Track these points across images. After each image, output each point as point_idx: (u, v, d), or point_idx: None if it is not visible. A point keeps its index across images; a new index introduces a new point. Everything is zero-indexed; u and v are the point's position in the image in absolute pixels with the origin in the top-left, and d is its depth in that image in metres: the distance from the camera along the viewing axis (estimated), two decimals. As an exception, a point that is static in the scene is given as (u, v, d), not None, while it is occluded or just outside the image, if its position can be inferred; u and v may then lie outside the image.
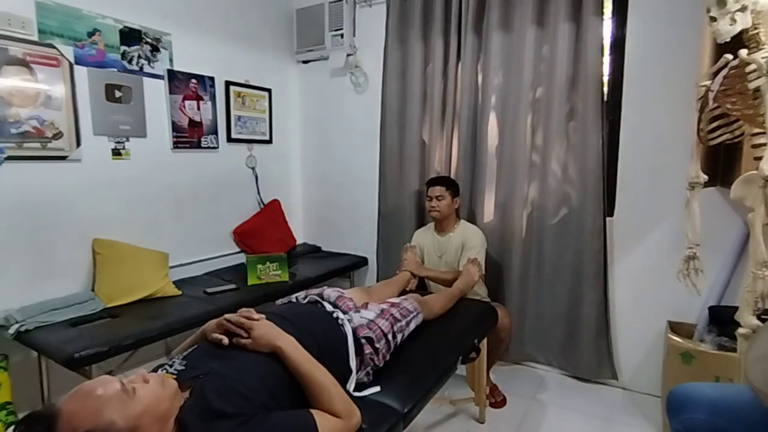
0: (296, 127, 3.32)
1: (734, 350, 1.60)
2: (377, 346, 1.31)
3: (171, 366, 1.00)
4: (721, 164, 1.90)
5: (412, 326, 1.55)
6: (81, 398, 0.78)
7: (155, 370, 0.98)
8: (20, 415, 1.80)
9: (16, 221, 1.90)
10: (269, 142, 3.10)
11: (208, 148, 2.70)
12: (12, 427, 1.77)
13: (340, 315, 1.33)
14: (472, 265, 2.09)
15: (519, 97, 2.36)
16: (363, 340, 1.29)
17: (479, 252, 2.22)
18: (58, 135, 2.01)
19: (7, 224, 1.87)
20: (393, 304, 1.53)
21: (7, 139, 1.84)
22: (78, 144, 2.08)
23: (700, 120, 1.48)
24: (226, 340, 1.06)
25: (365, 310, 1.43)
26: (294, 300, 1.47)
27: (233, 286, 2.39)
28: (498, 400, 2.18)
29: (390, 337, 1.37)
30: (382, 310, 1.45)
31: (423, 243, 2.40)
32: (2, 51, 1.82)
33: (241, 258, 2.78)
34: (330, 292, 1.46)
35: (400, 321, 1.46)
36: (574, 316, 2.34)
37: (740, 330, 1.34)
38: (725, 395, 1.17)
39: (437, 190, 2.29)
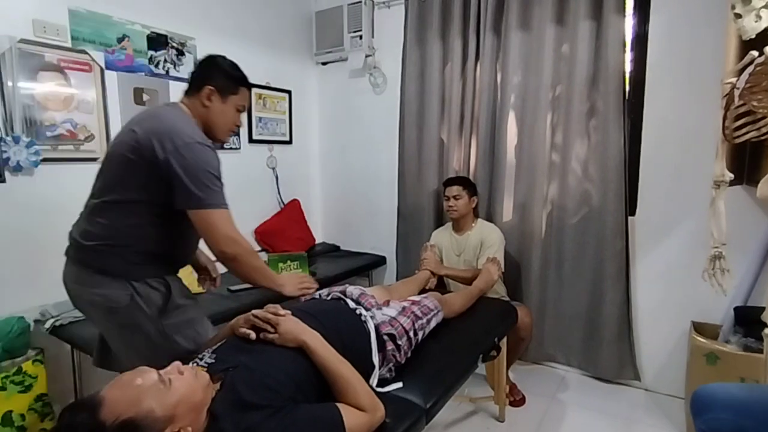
0: (315, 127, 3.37)
1: (761, 351, 1.58)
2: (399, 342, 1.33)
3: (201, 359, 1.04)
4: (747, 162, 1.87)
5: (433, 324, 1.57)
6: (122, 387, 0.82)
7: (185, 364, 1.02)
8: (55, 407, 1.89)
9: (51, 220, 1.98)
10: (289, 142, 3.15)
11: (231, 149, 2.76)
12: (44, 418, 1.85)
13: (363, 311, 1.36)
14: (492, 264, 2.10)
15: (538, 95, 2.35)
16: (385, 337, 1.31)
17: (498, 250, 2.23)
18: (89, 137, 2.09)
19: (43, 223, 1.95)
20: (414, 302, 1.56)
21: (42, 141, 1.92)
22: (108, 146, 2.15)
23: (725, 117, 1.47)
24: (253, 335, 1.10)
25: (387, 308, 1.46)
26: (318, 297, 1.51)
27: (256, 283, 2.43)
28: (517, 399, 2.19)
29: (411, 334, 1.39)
30: (404, 308, 1.48)
31: (441, 242, 2.42)
32: (38, 57, 1.90)
33: (263, 257, 2.82)
34: (352, 290, 1.49)
35: (421, 319, 1.48)
36: (595, 316, 2.33)
37: (767, 331, 1.32)
38: (751, 396, 1.16)
39: (454, 189, 2.31)
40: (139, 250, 1.30)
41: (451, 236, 2.40)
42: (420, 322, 1.47)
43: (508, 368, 2.12)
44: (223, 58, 1.46)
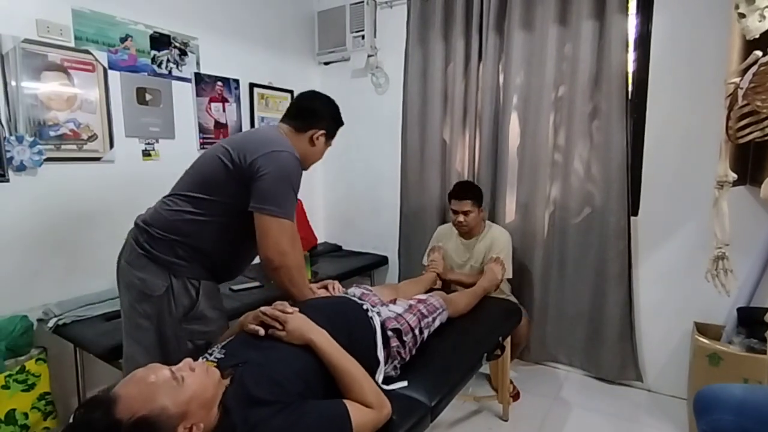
0: (317, 127, 3.36)
1: (764, 352, 1.58)
2: (404, 339, 1.34)
3: (210, 354, 1.05)
4: (750, 162, 1.87)
5: (438, 323, 1.58)
6: (136, 384, 0.82)
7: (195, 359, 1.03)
8: (57, 405, 1.89)
9: (54, 220, 1.99)
10: (291, 142, 3.15)
11: (233, 148, 2.76)
12: (51, 415, 1.85)
13: (369, 307, 1.37)
14: (496, 264, 2.10)
15: (541, 96, 2.35)
16: (390, 333, 1.32)
17: (506, 255, 2.20)
18: (93, 137, 2.09)
19: (46, 223, 1.96)
20: (420, 301, 1.57)
21: (46, 141, 1.92)
22: (111, 145, 2.16)
23: (728, 118, 1.47)
24: (262, 332, 1.10)
25: (393, 305, 1.47)
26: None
27: (257, 283, 2.43)
28: (511, 394, 2.17)
29: (417, 332, 1.40)
30: (410, 306, 1.49)
31: (446, 245, 2.37)
32: (42, 57, 1.90)
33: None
34: (354, 290, 1.50)
35: (427, 317, 1.49)
36: (597, 317, 2.33)
37: (771, 330, 1.32)
38: (755, 397, 1.16)
39: (466, 204, 2.18)
40: (193, 245, 1.34)
41: (458, 242, 2.34)
42: (426, 320, 1.48)
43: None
44: (334, 102, 1.58)
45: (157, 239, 1.33)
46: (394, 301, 1.51)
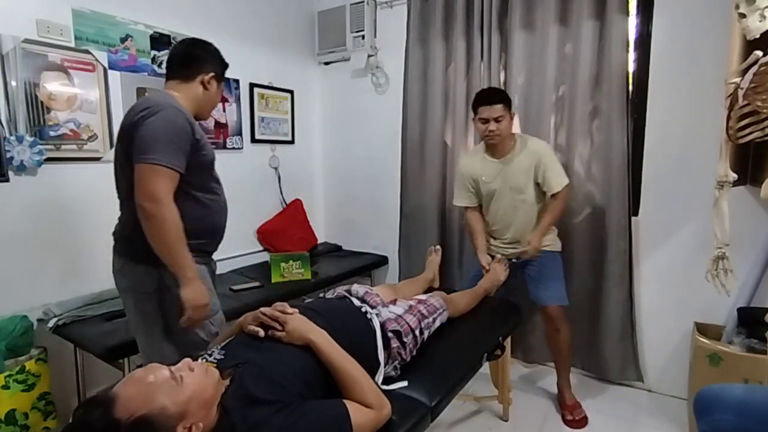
0: (318, 127, 3.37)
1: (764, 352, 1.57)
2: (405, 340, 1.34)
3: (210, 355, 1.05)
4: (750, 162, 1.87)
5: (438, 323, 1.58)
6: (135, 384, 0.82)
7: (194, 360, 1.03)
8: (57, 406, 1.89)
9: (54, 220, 1.99)
10: (291, 142, 3.16)
11: (233, 148, 2.76)
12: (48, 415, 1.85)
13: (369, 309, 1.37)
14: (499, 264, 2.07)
15: (542, 96, 2.35)
16: (391, 334, 1.32)
17: (559, 171, 1.99)
18: (93, 137, 2.09)
19: (46, 223, 1.96)
20: (420, 301, 1.57)
21: (46, 141, 1.92)
22: (111, 146, 2.15)
23: (729, 118, 1.46)
24: (262, 333, 1.10)
25: (393, 306, 1.47)
26: (323, 296, 1.51)
27: (257, 283, 2.44)
28: (577, 419, 2.03)
29: (417, 332, 1.40)
30: (410, 306, 1.49)
31: (475, 172, 2.09)
32: (42, 57, 1.90)
33: (265, 256, 2.84)
34: (358, 288, 1.50)
35: (427, 318, 1.49)
36: (598, 317, 2.33)
37: (771, 331, 1.32)
38: (755, 397, 1.16)
39: (497, 110, 1.90)
40: None
41: (485, 162, 2.05)
42: (426, 321, 1.48)
43: (564, 378, 2.13)
44: (212, 44, 1.53)
45: (130, 242, 1.35)
46: (394, 302, 1.51)
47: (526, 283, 2.15)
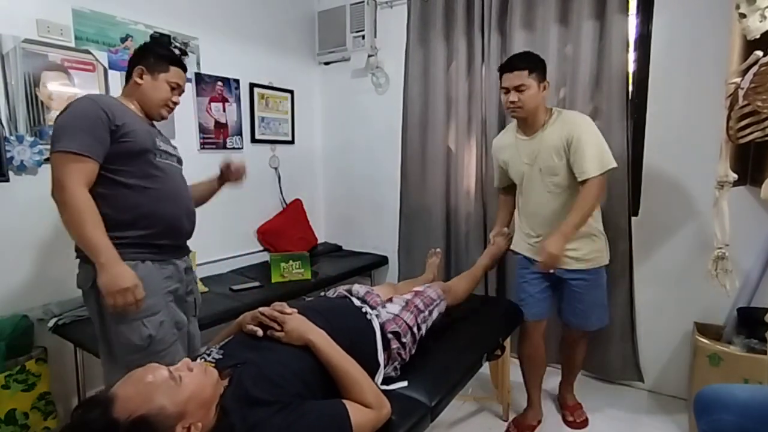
0: (318, 127, 3.37)
1: (764, 352, 1.57)
2: (404, 340, 1.34)
3: (209, 355, 1.05)
4: (750, 163, 1.87)
5: (435, 314, 1.56)
6: (134, 384, 0.82)
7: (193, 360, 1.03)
8: (57, 405, 1.89)
9: (54, 220, 1.97)
10: (291, 142, 3.16)
11: (233, 148, 2.76)
12: (48, 415, 1.85)
13: (369, 310, 1.36)
14: (501, 237, 1.96)
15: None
16: (390, 335, 1.32)
17: (597, 143, 1.64)
18: (93, 137, 2.09)
19: (47, 222, 1.96)
20: (417, 293, 1.56)
21: (46, 141, 1.91)
22: (111, 145, 2.16)
23: (729, 118, 1.47)
24: (260, 332, 1.10)
25: (390, 304, 1.46)
26: (323, 295, 1.51)
27: (257, 283, 2.44)
28: (578, 420, 2.02)
29: (415, 329, 1.39)
30: (407, 303, 1.48)
31: (503, 151, 1.90)
32: (42, 57, 1.90)
33: (265, 256, 2.84)
34: (358, 288, 1.49)
35: (423, 312, 1.48)
36: (597, 317, 2.32)
37: (771, 331, 1.32)
38: (755, 397, 1.16)
39: (518, 77, 1.65)
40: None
41: (515, 141, 1.82)
42: (422, 314, 1.47)
43: (568, 382, 2.09)
44: (156, 40, 1.53)
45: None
46: (391, 300, 1.50)
47: (560, 300, 1.88)
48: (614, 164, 1.66)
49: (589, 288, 1.79)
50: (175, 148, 1.57)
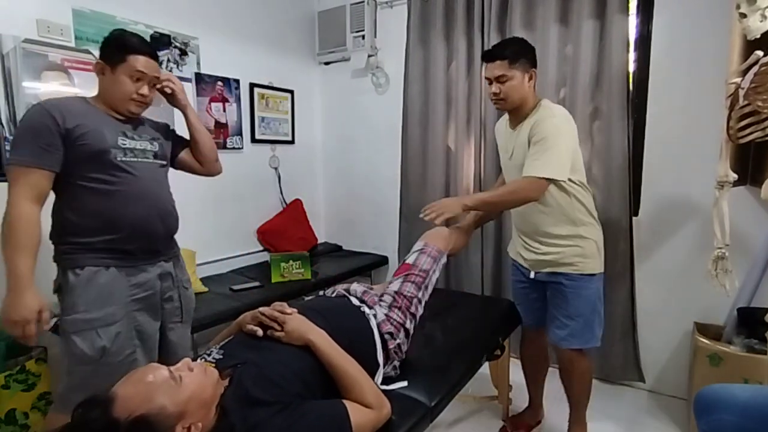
0: (318, 127, 3.37)
1: (764, 352, 1.57)
2: (398, 341, 1.33)
3: (209, 355, 1.05)
4: (750, 163, 1.87)
5: (436, 277, 1.49)
6: (134, 384, 0.82)
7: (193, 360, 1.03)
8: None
9: (54, 219, 1.99)
10: (291, 142, 3.16)
11: (233, 148, 2.76)
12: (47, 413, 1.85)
13: (366, 309, 1.36)
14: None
15: (544, 97, 2.34)
16: (386, 336, 1.31)
17: (553, 146, 1.47)
18: (93, 137, 2.08)
19: (46, 222, 1.94)
20: (407, 277, 1.44)
21: (46, 141, 1.92)
22: (111, 145, 2.15)
23: (729, 118, 1.47)
24: (260, 332, 1.10)
25: (383, 300, 1.41)
26: (322, 294, 1.51)
27: (257, 283, 2.44)
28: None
29: (408, 323, 1.36)
30: (395, 296, 1.40)
31: (499, 139, 1.83)
32: (42, 57, 1.90)
33: (265, 256, 2.84)
34: (356, 287, 1.48)
35: (415, 296, 1.40)
36: (597, 317, 2.32)
37: (771, 331, 1.32)
38: (755, 397, 1.16)
39: (496, 68, 1.55)
40: (57, 231, 1.35)
41: (506, 130, 1.74)
42: (414, 301, 1.39)
43: (572, 419, 1.84)
44: (116, 32, 1.43)
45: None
46: (382, 296, 1.43)
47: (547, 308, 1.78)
48: (563, 177, 1.51)
49: (568, 296, 1.65)
50: (154, 142, 1.47)
